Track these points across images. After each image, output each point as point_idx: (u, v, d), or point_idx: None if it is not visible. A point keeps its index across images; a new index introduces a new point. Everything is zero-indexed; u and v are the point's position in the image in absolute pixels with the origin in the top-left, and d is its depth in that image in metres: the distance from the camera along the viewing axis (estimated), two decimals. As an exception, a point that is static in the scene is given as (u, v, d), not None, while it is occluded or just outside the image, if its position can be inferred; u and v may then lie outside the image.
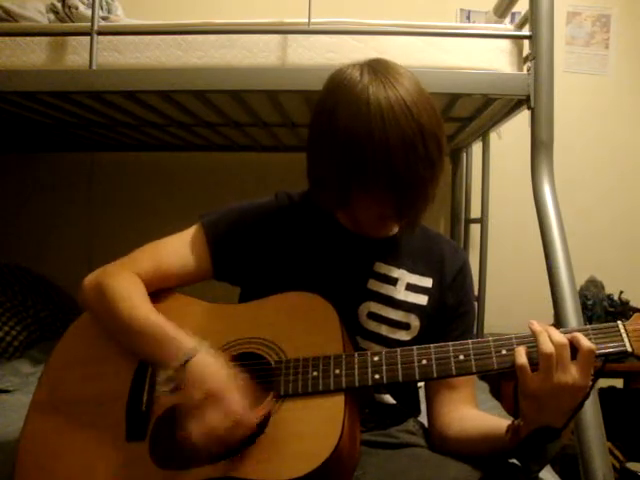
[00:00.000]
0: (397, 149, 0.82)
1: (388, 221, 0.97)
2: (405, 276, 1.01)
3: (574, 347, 0.78)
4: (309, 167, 0.95)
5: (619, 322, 0.82)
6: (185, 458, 0.81)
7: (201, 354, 0.84)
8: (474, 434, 0.91)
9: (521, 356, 0.79)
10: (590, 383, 0.79)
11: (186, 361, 0.83)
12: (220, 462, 0.80)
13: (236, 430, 0.79)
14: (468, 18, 2.53)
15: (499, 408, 1.78)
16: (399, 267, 1.01)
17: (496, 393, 2.10)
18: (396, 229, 1.04)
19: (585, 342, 0.78)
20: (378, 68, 0.88)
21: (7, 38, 1.62)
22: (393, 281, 1.00)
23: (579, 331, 0.81)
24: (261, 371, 0.89)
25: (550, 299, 1.39)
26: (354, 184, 0.87)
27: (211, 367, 0.83)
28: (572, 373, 0.77)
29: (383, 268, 1.01)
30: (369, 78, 0.86)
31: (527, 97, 1.50)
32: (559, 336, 0.78)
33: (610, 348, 0.81)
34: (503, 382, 2.25)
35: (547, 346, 0.77)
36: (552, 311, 1.38)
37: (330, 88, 0.91)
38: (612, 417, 1.80)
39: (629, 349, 0.80)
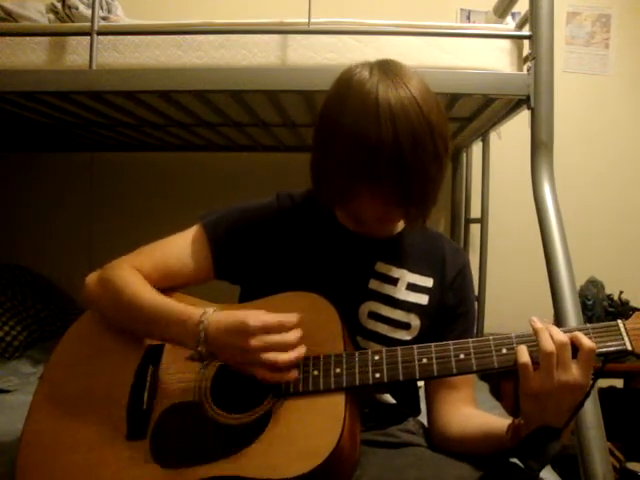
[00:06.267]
0: (407, 144, 0.83)
1: (390, 218, 0.97)
2: (406, 276, 1.01)
3: (574, 346, 0.78)
4: (314, 161, 0.95)
5: (619, 321, 0.82)
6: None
7: (211, 319, 0.85)
8: (475, 433, 0.91)
9: (524, 355, 0.79)
10: (590, 382, 0.79)
11: (205, 335, 0.84)
12: (221, 460, 0.81)
13: (280, 337, 0.83)
14: (468, 18, 2.54)
15: (499, 408, 1.78)
16: (400, 267, 1.01)
17: (496, 393, 2.10)
18: (397, 229, 1.05)
19: (586, 341, 0.78)
20: (387, 68, 0.89)
21: (7, 38, 1.62)
22: (394, 281, 1.00)
23: (579, 330, 0.81)
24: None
25: (550, 299, 1.39)
26: (360, 178, 0.87)
27: (223, 323, 0.84)
28: (573, 372, 0.77)
29: (384, 268, 1.01)
30: (379, 77, 0.87)
31: (527, 97, 1.50)
32: (560, 335, 0.78)
33: (610, 347, 0.81)
34: (503, 382, 2.25)
35: (548, 344, 0.77)
36: (552, 311, 1.39)
37: (339, 85, 0.92)
38: (612, 417, 1.79)
39: (629, 347, 0.80)
